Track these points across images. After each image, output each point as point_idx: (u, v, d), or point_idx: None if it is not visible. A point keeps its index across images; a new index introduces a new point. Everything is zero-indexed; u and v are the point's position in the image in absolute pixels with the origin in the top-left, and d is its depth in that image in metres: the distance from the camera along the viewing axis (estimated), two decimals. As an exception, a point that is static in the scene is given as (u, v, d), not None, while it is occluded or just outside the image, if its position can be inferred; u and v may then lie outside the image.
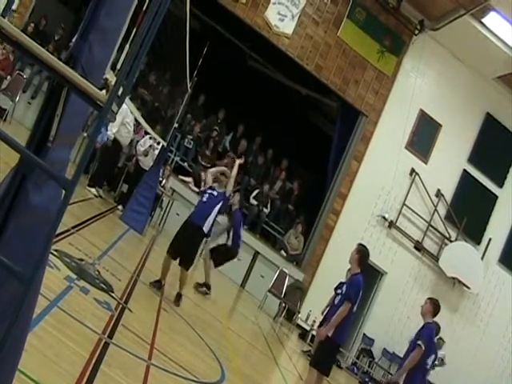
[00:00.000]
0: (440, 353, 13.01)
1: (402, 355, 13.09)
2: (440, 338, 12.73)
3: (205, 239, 7.87)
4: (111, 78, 2.19)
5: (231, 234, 9.09)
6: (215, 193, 7.24)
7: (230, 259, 9.38)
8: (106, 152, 11.02)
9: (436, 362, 12.26)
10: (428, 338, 6.47)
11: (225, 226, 9.35)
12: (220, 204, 7.18)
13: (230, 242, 9.12)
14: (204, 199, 7.21)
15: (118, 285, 5.71)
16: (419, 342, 6.36)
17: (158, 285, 6.88)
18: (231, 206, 9.08)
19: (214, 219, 7.24)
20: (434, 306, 6.61)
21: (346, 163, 13.53)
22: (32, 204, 1.64)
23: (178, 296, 6.97)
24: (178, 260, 6.94)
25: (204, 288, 8.92)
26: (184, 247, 6.92)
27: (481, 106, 14.00)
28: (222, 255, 9.16)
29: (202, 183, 8.87)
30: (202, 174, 13.08)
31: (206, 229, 7.02)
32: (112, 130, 10.61)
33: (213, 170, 7.88)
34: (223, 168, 8.05)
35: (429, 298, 6.87)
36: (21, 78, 11.80)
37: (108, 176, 11.51)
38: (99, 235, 7.74)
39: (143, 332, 4.93)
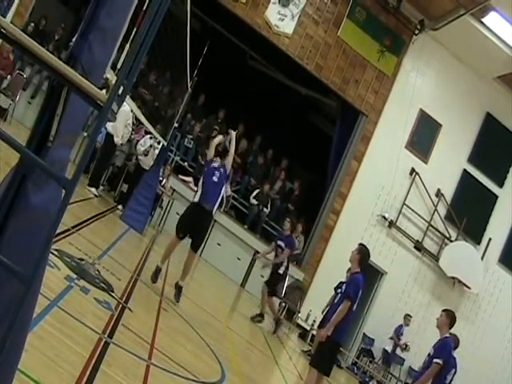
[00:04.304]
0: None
1: (401, 355, 13.23)
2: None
3: None
4: (111, 77, 2.19)
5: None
6: (222, 169, 6.96)
7: None
8: (102, 150, 10.98)
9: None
10: (446, 354, 6.27)
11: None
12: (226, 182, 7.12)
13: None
14: (215, 179, 6.87)
15: (118, 284, 5.70)
16: (436, 360, 6.17)
17: (158, 273, 6.77)
18: None
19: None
20: (450, 318, 6.42)
21: (345, 163, 13.53)
22: (32, 204, 1.64)
23: (179, 289, 6.75)
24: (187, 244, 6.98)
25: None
26: (197, 231, 6.95)
27: (481, 106, 14.00)
28: None
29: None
30: None
31: (214, 214, 7.15)
32: (118, 136, 10.57)
33: (215, 140, 7.48)
34: (221, 138, 7.66)
35: (444, 310, 6.64)
36: (21, 77, 11.78)
37: (103, 172, 11.31)
38: (99, 235, 7.74)
39: (143, 332, 4.92)
